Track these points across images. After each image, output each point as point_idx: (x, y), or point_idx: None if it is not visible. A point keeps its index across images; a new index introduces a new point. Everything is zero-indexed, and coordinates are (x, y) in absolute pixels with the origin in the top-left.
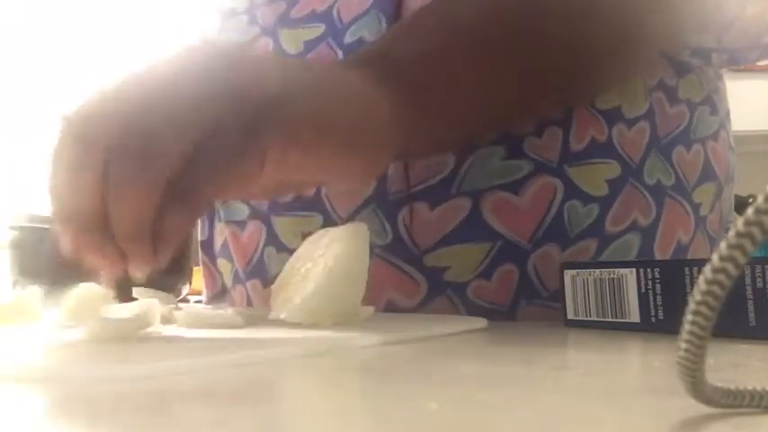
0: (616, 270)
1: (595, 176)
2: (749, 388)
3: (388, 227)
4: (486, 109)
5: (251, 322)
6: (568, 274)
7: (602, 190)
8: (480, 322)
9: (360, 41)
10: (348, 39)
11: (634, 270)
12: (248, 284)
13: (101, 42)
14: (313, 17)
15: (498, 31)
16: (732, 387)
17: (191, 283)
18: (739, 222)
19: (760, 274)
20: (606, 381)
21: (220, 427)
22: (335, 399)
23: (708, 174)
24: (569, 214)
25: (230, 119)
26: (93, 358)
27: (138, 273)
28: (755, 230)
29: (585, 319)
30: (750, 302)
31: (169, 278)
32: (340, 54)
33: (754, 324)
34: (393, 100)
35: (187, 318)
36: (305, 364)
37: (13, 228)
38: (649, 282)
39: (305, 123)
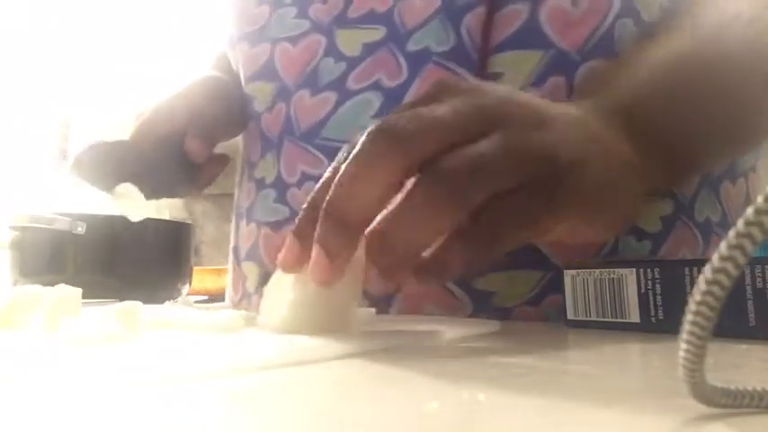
0: (616, 270)
1: (651, 213)
2: (749, 388)
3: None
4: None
5: (251, 325)
6: (568, 274)
7: (657, 226)
8: (493, 325)
9: (425, 51)
10: (411, 47)
11: (634, 270)
12: None
13: (100, 42)
14: (372, 17)
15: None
16: (732, 387)
17: (191, 283)
18: (739, 222)
19: (760, 275)
20: (606, 381)
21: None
22: (335, 399)
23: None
24: (623, 248)
25: (536, 177)
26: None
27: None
28: (755, 230)
29: (585, 319)
30: (750, 302)
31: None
32: (402, 62)
33: (753, 324)
34: (647, 163)
35: (179, 322)
36: (305, 364)
37: (13, 228)
38: (649, 282)
39: (597, 201)
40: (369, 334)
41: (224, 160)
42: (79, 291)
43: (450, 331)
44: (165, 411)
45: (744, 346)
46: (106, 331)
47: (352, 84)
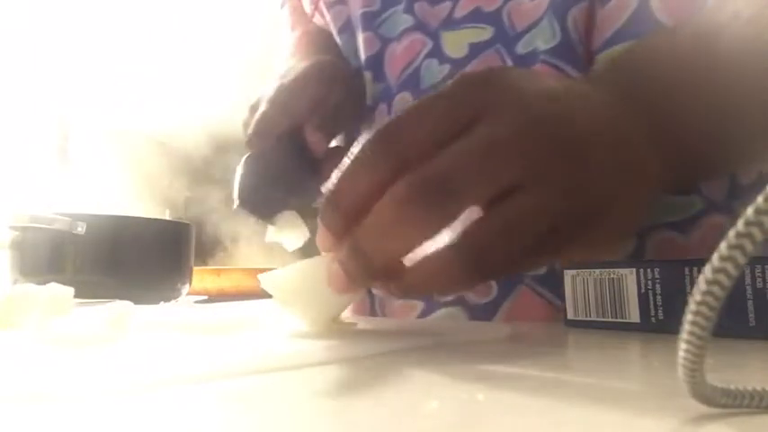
0: (616, 270)
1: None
2: (749, 388)
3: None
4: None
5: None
6: (568, 274)
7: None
8: (501, 330)
9: (533, 53)
10: (521, 49)
11: (634, 270)
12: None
13: (99, 43)
14: (478, 16)
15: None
16: (732, 387)
17: (191, 283)
18: (739, 222)
19: (760, 275)
20: (606, 381)
21: (220, 427)
22: (335, 399)
23: None
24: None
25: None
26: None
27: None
28: (755, 231)
29: (586, 319)
30: (750, 302)
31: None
32: (509, 64)
33: (753, 324)
34: (662, 161)
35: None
36: (304, 365)
37: (13, 228)
38: (649, 282)
39: (615, 234)
40: (372, 337)
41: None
42: (71, 290)
43: (456, 335)
44: (149, 415)
45: (744, 346)
46: (93, 332)
47: None
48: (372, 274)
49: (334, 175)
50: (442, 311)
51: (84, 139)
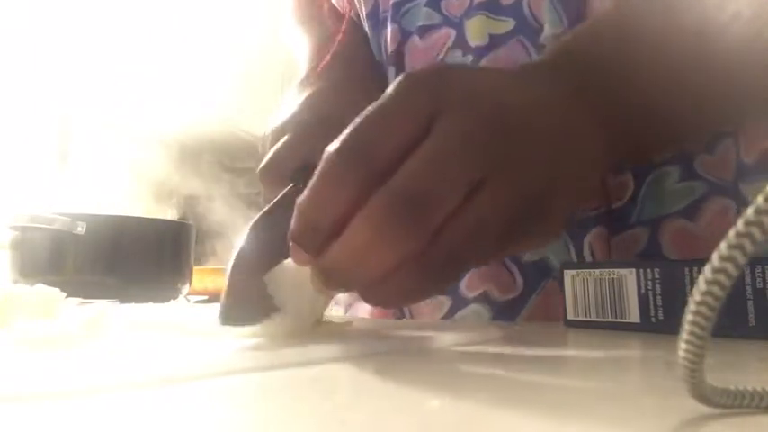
0: (616, 270)
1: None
2: (749, 388)
3: None
4: (699, 115)
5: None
6: (568, 274)
7: None
8: (494, 332)
9: (553, 40)
10: (544, 40)
11: (634, 270)
12: None
13: (99, 42)
14: (498, 8)
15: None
16: (732, 387)
17: (191, 283)
18: (739, 222)
19: (760, 275)
20: (606, 381)
21: (219, 425)
22: (335, 399)
23: None
24: None
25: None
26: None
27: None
28: (755, 231)
29: (585, 319)
30: (750, 302)
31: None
32: (533, 54)
33: (753, 324)
34: (605, 128)
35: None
36: (304, 364)
37: (12, 228)
38: (649, 282)
39: (561, 220)
40: (368, 337)
41: None
42: (58, 291)
43: (451, 335)
44: (131, 415)
45: (744, 346)
46: (66, 333)
47: None
48: (350, 288)
49: (305, 193)
50: (469, 308)
51: (85, 138)
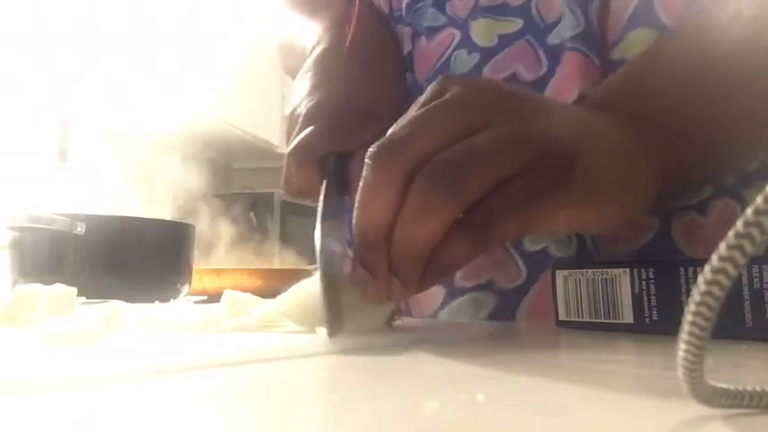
0: (609, 270)
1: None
2: (748, 388)
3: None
4: (737, 149)
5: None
6: (560, 274)
7: None
8: (485, 328)
9: (561, 44)
10: (551, 40)
11: (628, 270)
12: None
13: (99, 42)
14: (506, 9)
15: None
16: (731, 387)
17: (191, 283)
18: (738, 223)
19: (757, 276)
20: (605, 381)
21: (217, 423)
22: (335, 398)
23: None
24: None
25: (540, 162)
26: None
27: (397, 300)
28: (754, 231)
29: (578, 320)
30: (747, 303)
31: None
32: (542, 55)
33: (750, 325)
34: (651, 151)
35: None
36: (305, 364)
37: (12, 228)
38: (643, 282)
39: (600, 189)
40: (371, 333)
41: None
42: (74, 290)
43: (448, 333)
44: (149, 406)
45: (743, 347)
46: (87, 329)
47: (488, 75)
48: (417, 270)
49: (359, 210)
50: (466, 297)
51: (85, 139)
